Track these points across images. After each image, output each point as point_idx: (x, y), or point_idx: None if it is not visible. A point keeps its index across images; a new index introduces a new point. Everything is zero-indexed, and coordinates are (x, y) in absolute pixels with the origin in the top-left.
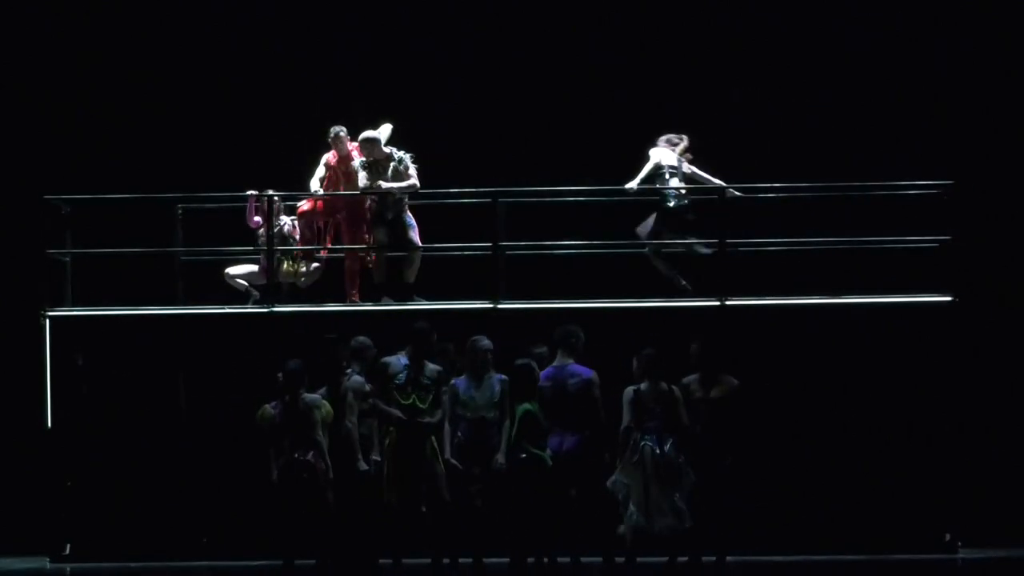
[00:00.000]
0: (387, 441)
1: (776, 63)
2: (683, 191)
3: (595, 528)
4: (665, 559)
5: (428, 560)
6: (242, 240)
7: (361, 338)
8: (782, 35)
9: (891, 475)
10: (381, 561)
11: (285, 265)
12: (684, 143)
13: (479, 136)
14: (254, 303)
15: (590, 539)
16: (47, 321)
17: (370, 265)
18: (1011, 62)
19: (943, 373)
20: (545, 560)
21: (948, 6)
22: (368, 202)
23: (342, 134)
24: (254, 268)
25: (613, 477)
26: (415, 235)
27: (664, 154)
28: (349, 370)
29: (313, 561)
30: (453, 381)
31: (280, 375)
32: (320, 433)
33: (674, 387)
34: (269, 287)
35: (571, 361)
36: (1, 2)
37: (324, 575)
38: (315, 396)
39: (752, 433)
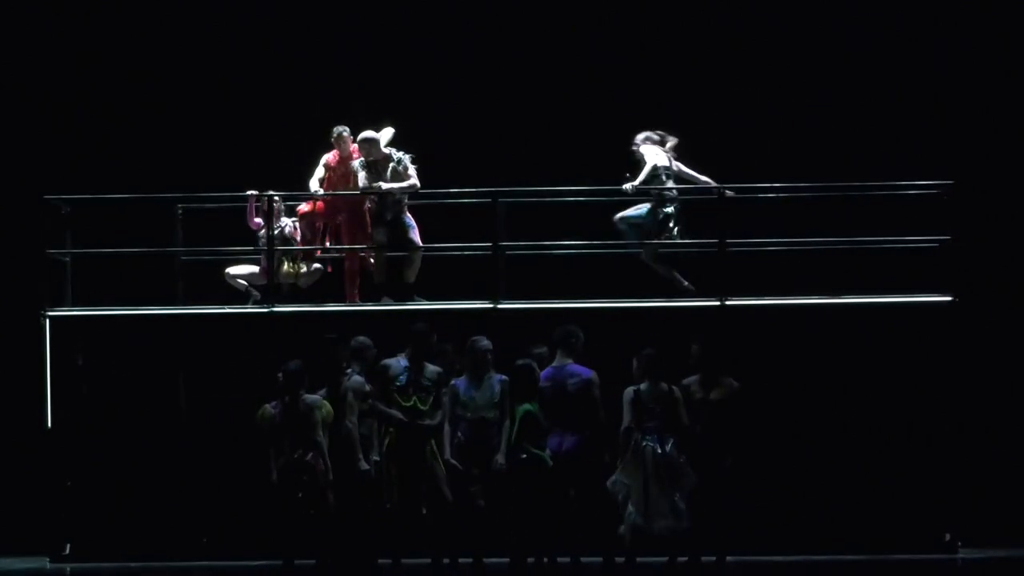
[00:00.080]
0: (386, 442)
1: (776, 63)
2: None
3: (595, 528)
4: (665, 559)
5: (428, 560)
6: (242, 240)
7: (361, 338)
8: (782, 35)
9: (891, 475)
10: (381, 561)
11: (285, 266)
12: (673, 141)
13: (479, 136)
14: (254, 303)
15: (590, 539)
16: (47, 321)
17: (370, 267)
18: (1011, 62)
19: (943, 373)
20: (545, 560)
21: (948, 6)
22: (367, 202)
23: (345, 134)
24: (254, 269)
25: (613, 477)
26: (415, 235)
27: (659, 155)
28: (349, 370)
29: (313, 561)
30: (453, 382)
31: (280, 375)
32: (320, 433)
33: (674, 387)
34: (269, 288)
35: (570, 361)
36: (1, 2)
37: (324, 575)
38: (315, 396)
39: (752, 433)
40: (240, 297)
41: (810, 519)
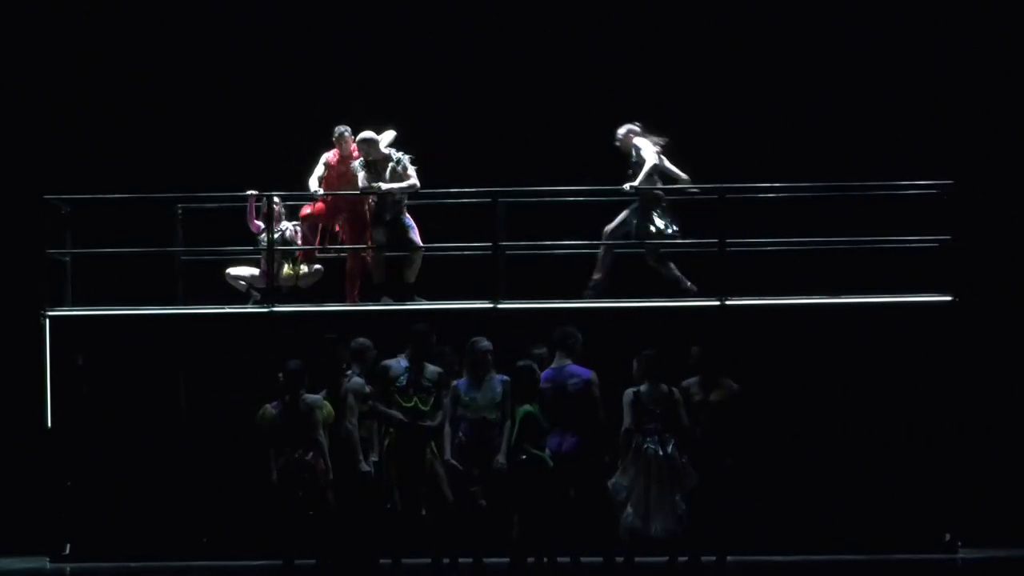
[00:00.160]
0: (386, 442)
1: (776, 63)
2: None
3: (595, 528)
4: (665, 559)
5: (428, 560)
6: (242, 240)
7: (361, 339)
8: (782, 35)
9: (891, 475)
10: (381, 561)
11: (286, 268)
12: (662, 140)
13: (479, 136)
14: (254, 303)
15: (590, 539)
16: (47, 321)
17: (370, 267)
18: (1011, 62)
19: (943, 373)
20: (545, 560)
21: (948, 6)
22: (367, 203)
23: (347, 134)
24: (255, 271)
25: (614, 479)
26: (415, 235)
27: (654, 152)
28: (349, 371)
29: (313, 561)
30: (454, 383)
31: (281, 375)
32: (321, 433)
33: (674, 389)
34: (269, 289)
35: (570, 362)
36: (1, 2)
37: (324, 575)
38: (316, 396)
39: (752, 434)
40: (240, 297)
41: (810, 519)
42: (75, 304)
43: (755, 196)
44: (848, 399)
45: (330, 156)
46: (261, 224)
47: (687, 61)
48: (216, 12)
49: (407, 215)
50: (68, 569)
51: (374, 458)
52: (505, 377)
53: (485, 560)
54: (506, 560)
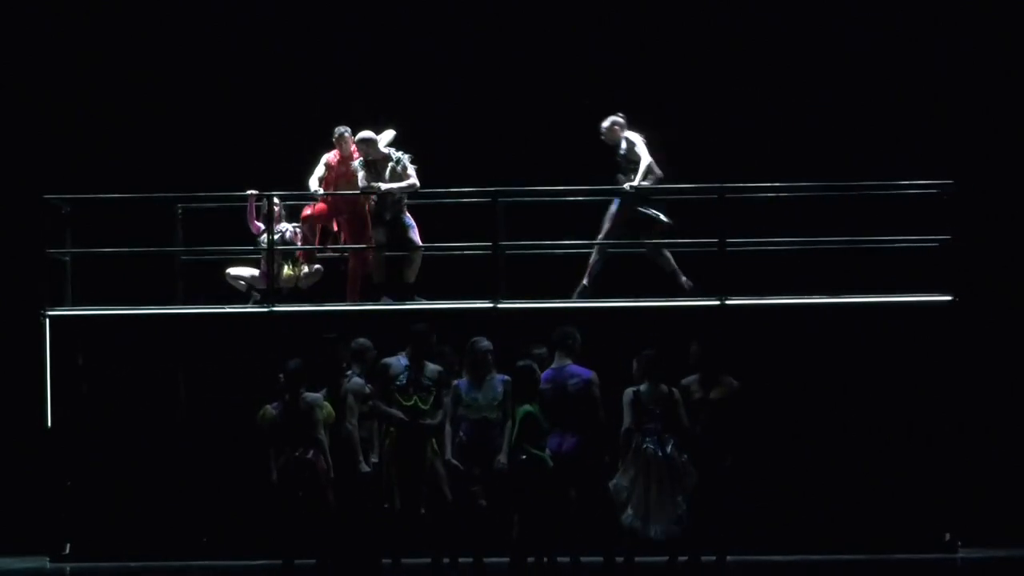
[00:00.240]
0: (387, 442)
1: (776, 63)
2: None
3: (595, 528)
4: (665, 559)
5: (428, 560)
6: (242, 240)
7: (361, 340)
8: (782, 35)
9: (891, 475)
10: (381, 561)
11: (286, 269)
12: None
13: (479, 136)
14: (254, 303)
15: (590, 539)
16: (47, 321)
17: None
18: (1011, 62)
19: (943, 373)
20: (545, 560)
21: (948, 6)
22: (367, 203)
23: (347, 134)
24: (255, 271)
25: (614, 480)
26: (415, 235)
27: (645, 147)
28: (349, 372)
29: (313, 561)
30: (455, 383)
31: (281, 376)
32: (321, 432)
33: (674, 389)
34: (269, 290)
35: (570, 362)
36: (1, 2)
37: (324, 575)
38: (316, 396)
39: (752, 433)
40: (240, 297)
41: (810, 519)
42: (75, 304)
43: (755, 196)
44: (848, 399)
45: (330, 157)
46: (261, 225)
47: (687, 61)
48: (216, 12)
49: (407, 214)
50: (68, 569)
51: (374, 458)
52: (506, 377)
53: (485, 560)
54: (506, 560)
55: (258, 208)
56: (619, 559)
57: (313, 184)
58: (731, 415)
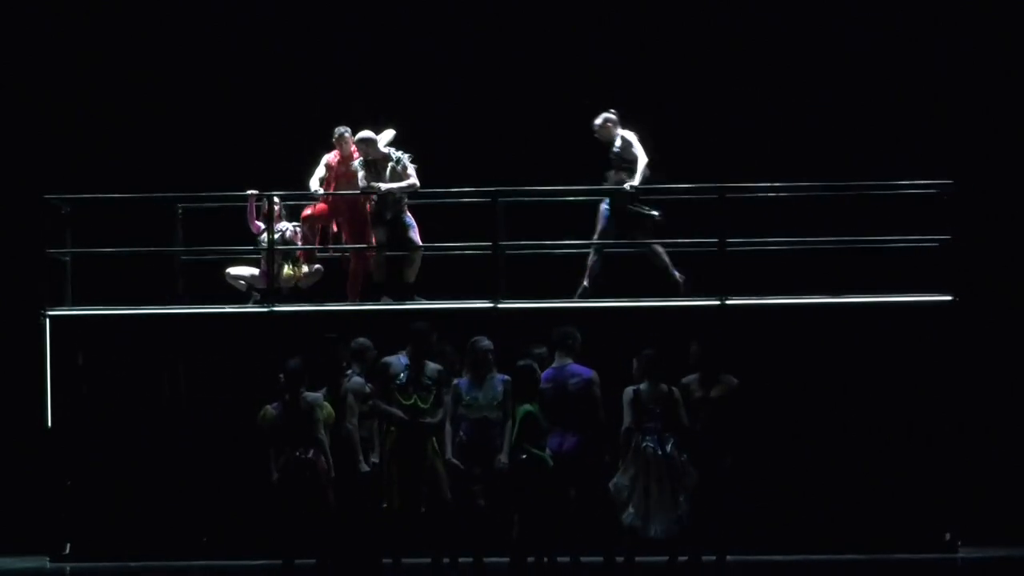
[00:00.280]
0: (387, 441)
1: (776, 63)
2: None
3: (595, 528)
4: (665, 559)
5: (428, 560)
6: (242, 240)
7: (361, 339)
8: (782, 35)
9: (891, 475)
10: (382, 561)
11: (286, 269)
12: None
13: (479, 136)
14: (254, 303)
15: (590, 539)
16: (47, 320)
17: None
18: (1011, 62)
19: (943, 373)
20: (545, 560)
21: (948, 6)
22: (367, 202)
23: (347, 134)
24: (255, 271)
25: (615, 479)
26: (415, 235)
27: (640, 145)
28: (349, 371)
29: (313, 561)
30: (455, 382)
31: (281, 376)
32: (321, 432)
33: (674, 388)
34: (269, 289)
35: (570, 361)
36: (1, 2)
37: (324, 575)
38: (316, 395)
39: (752, 433)
40: (240, 297)
41: (810, 519)
42: (75, 304)
43: (755, 196)
44: (848, 399)
45: (330, 157)
46: (261, 224)
47: (687, 61)
48: (216, 12)
49: (408, 214)
50: (68, 569)
51: (374, 458)
52: (506, 377)
53: (485, 560)
54: (506, 560)
55: (258, 208)
56: (619, 559)
57: (314, 184)
58: (731, 414)
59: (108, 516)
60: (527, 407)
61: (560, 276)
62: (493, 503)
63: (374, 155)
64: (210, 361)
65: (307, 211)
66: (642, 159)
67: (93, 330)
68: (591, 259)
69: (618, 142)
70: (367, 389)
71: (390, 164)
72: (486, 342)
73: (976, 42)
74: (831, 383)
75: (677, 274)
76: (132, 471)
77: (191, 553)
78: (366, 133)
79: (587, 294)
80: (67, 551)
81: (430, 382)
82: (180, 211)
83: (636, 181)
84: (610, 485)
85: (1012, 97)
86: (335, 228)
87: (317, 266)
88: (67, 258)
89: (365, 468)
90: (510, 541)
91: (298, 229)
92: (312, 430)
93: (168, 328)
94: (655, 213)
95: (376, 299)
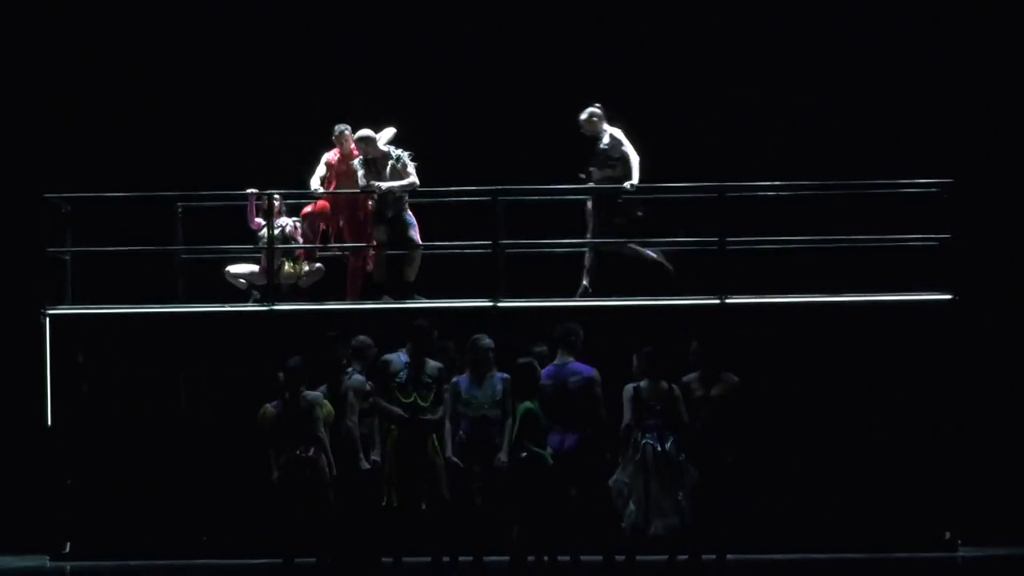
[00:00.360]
0: (388, 439)
1: (776, 63)
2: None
3: (595, 527)
4: (665, 558)
5: (428, 559)
6: (242, 239)
7: (362, 337)
8: (782, 35)
9: (891, 474)
10: (382, 560)
11: (286, 267)
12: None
13: (479, 136)
14: (254, 301)
15: (590, 538)
16: (47, 319)
17: (369, 267)
18: (1011, 62)
19: (943, 372)
20: (545, 559)
21: (948, 6)
22: (368, 201)
23: (347, 132)
24: (255, 268)
25: (614, 476)
26: (415, 233)
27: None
28: (350, 369)
29: (313, 560)
30: (455, 379)
31: (281, 374)
32: (322, 430)
33: (674, 385)
34: (269, 287)
35: (572, 359)
36: (1, 2)
37: (324, 574)
38: (316, 394)
39: (752, 431)
40: (241, 295)
41: (811, 517)
42: (75, 303)
43: (755, 195)
44: (848, 398)
45: (331, 155)
46: (261, 221)
47: (687, 61)
48: (216, 12)
49: (409, 213)
50: (68, 568)
51: (375, 456)
52: (505, 375)
53: (485, 559)
54: (506, 559)
55: (258, 207)
56: (620, 558)
57: (314, 183)
58: (731, 413)
59: (108, 515)
60: (527, 404)
61: (560, 275)
62: (492, 502)
63: (373, 154)
64: (210, 360)
65: (308, 209)
66: (635, 156)
67: (93, 329)
68: (588, 258)
69: (606, 139)
70: (367, 387)
71: (390, 162)
72: (487, 340)
73: (976, 42)
74: (831, 382)
75: (666, 263)
76: (132, 470)
77: (191, 552)
78: (365, 132)
79: (588, 293)
80: (67, 550)
81: (430, 380)
82: (180, 210)
83: (636, 179)
84: (610, 483)
85: (1012, 97)
86: (337, 226)
87: (318, 265)
88: (67, 257)
89: (366, 466)
90: (510, 540)
91: (298, 225)
92: (312, 429)
93: (168, 327)
94: (639, 211)
95: (376, 298)
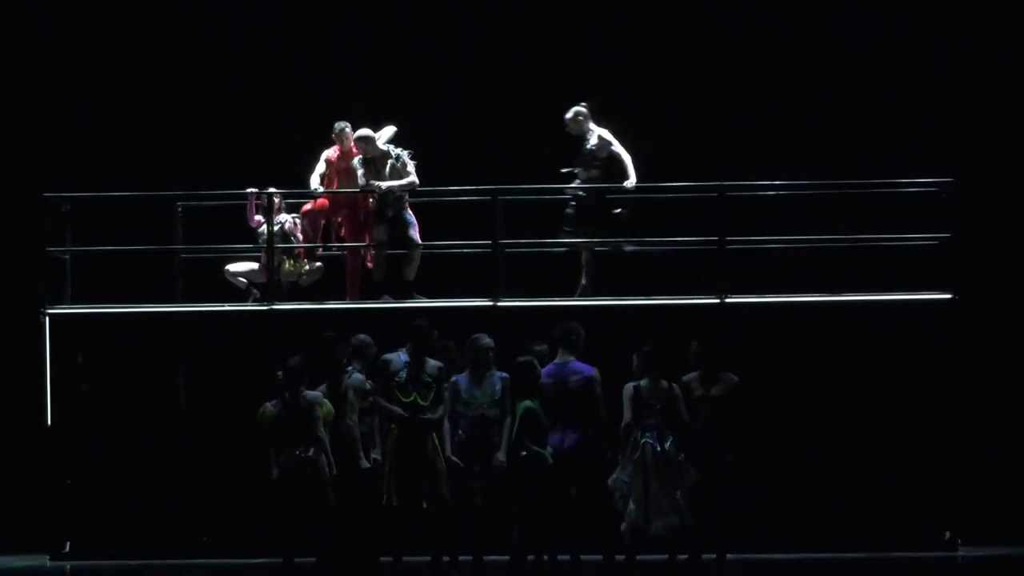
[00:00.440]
0: (388, 439)
1: (776, 63)
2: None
3: (595, 526)
4: (665, 558)
5: (428, 558)
6: (242, 238)
7: (362, 336)
8: (782, 35)
9: (891, 474)
10: (381, 559)
11: (287, 264)
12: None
13: (479, 136)
14: (254, 301)
15: (590, 538)
16: (47, 319)
17: (369, 264)
18: (1011, 62)
19: (943, 372)
20: (545, 558)
21: (948, 6)
22: (368, 200)
23: (347, 130)
24: (254, 266)
25: (614, 475)
26: (415, 233)
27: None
28: (350, 368)
29: (313, 559)
30: (454, 379)
31: (280, 373)
32: (321, 430)
33: (674, 384)
34: (269, 285)
35: (572, 358)
36: (1, 2)
37: (324, 573)
38: (316, 393)
39: (752, 431)
40: (240, 295)
41: (810, 517)
42: (75, 302)
43: (755, 194)
44: (848, 397)
45: (331, 153)
46: (261, 219)
47: (687, 61)
48: (216, 12)
49: (408, 212)
50: (68, 567)
51: (375, 455)
52: (504, 374)
53: (485, 559)
54: (506, 559)
55: (258, 205)
56: (619, 558)
57: (314, 182)
58: (731, 412)
59: (108, 514)
60: (527, 403)
61: (559, 274)
62: (492, 501)
63: (373, 153)
64: (210, 360)
65: (308, 206)
66: (627, 155)
67: (93, 328)
68: (585, 259)
69: (594, 140)
70: (367, 386)
71: (389, 161)
72: (487, 340)
73: (976, 42)
74: (831, 382)
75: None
76: (132, 469)
77: (191, 551)
78: (364, 131)
79: (587, 292)
80: (67, 549)
81: (430, 379)
82: (180, 209)
83: (633, 180)
84: (609, 481)
85: (1012, 96)
86: (337, 223)
87: (318, 264)
88: (67, 256)
89: (366, 464)
90: (510, 540)
91: (297, 221)
92: (312, 428)
93: (168, 327)
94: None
95: (376, 297)
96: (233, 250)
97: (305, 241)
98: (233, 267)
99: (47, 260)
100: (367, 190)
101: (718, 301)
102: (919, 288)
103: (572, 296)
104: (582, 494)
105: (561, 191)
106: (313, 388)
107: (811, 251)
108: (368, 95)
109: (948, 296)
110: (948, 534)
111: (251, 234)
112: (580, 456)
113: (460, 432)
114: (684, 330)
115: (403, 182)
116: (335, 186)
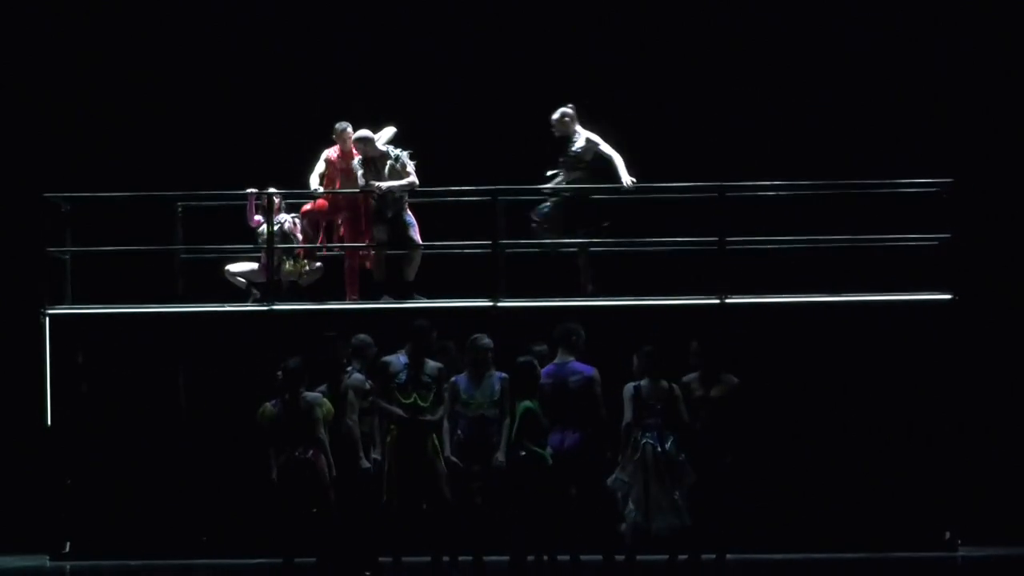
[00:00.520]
0: (388, 439)
1: (776, 63)
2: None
3: (595, 527)
4: (665, 558)
5: (428, 558)
6: (242, 238)
7: (362, 336)
8: (782, 35)
9: (891, 474)
10: (381, 559)
11: (287, 264)
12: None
13: (479, 136)
14: (254, 301)
15: (590, 538)
16: (47, 319)
17: (367, 264)
18: (1011, 62)
19: (943, 372)
20: (545, 559)
21: (948, 6)
22: (367, 200)
23: (348, 130)
24: (254, 266)
25: (614, 475)
26: (415, 233)
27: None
28: (349, 368)
29: (313, 559)
30: (453, 379)
31: (280, 373)
32: (321, 431)
33: (674, 384)
34: (269, 285)
35: (572, 359)
36: (1, 2)
37: (324, 573)
38: (316, 394)
39: (752, 432)
40: (240, 295)
41: (810, 517)
42: (75, 302)
43: (755, 194)
44: (848, 397)
45: (331, 153)
46: (260, 219)
47: (687, 61)
48: (216, 12)
49: (408, 212)
50: (68, 567)
51: (375, 455)
52: (503, 374)
53: (485, 559)
54: (506, 559)
55: (257, 206)
56: (620, 558)
57: (314, 181)
58: (731, 413)
59: (108, 515)
60: (527, 403)
61: (559, 274)
62: (492, 502)
63: (372, 153)
64: (210, 360)
65: (307, 206)
66: (618, 156)
67: (93, 328)
68: (581, 261)
69: (580, 142)
70: (367, 385)
71: (389, 162)
72: (486, 340)
73: (976, 42)
74: (831, 382)
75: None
76: (132, 470)
77: (191, 552)
78: (364, 132)
79: (588, 292)
80: (67, 549)
81: (430, 380)
82: (180, 209)
83: (630, 180)
84: (609, 481)
85: (1012, 96)
86: (336, 223)
87: (318, 264)
88: (67, 256)
89: (366, 464)
90: (510, 540)
91: (297, 221)
92: (312, 429)
93: (168, 326)
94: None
95: (376, 298)
96: (233, 250)
97: (305, 241)
98: (233, 267)
99: (47, 260)
100: (367, 190)
101: (718, 301)
102: (919, 288)
103: (573, 296)
104: (582, 494)
105: (561, 191)
106: (313, 388)
107: (811, 251)
108: (368, 95)
109: (948, 296)
110: (948, 534)
111: (251, 234)
112: (580, 456)
113: (459, 432)
114: (684, 330)
115: (403, 182)
116: (335, 186)
